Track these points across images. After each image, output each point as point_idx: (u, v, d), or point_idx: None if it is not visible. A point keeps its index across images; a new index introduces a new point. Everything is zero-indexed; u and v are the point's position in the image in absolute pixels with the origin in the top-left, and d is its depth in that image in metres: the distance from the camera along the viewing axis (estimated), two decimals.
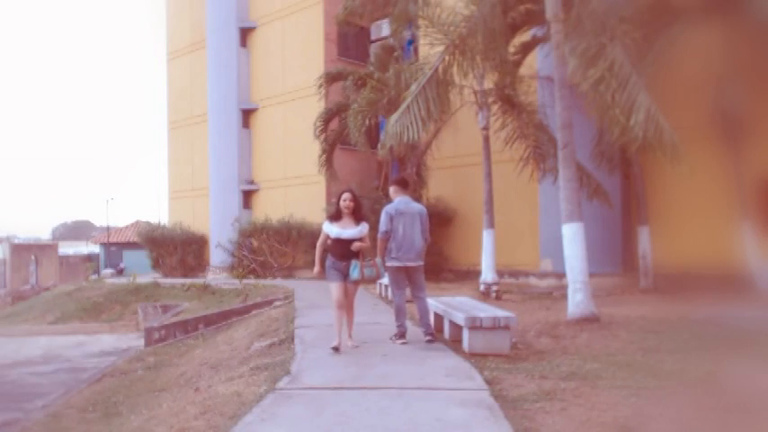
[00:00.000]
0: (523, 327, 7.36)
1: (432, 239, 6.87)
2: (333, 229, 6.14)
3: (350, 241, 6.08)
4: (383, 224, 6.42)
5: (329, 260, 6.19)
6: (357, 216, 6.18)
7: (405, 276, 6.44)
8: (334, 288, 6.14)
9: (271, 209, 20.19)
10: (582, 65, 7.95)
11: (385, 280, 11.12)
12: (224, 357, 7.55)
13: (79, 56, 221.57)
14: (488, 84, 11.78)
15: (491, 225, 11.70)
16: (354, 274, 6.06)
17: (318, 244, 6.33)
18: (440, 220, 16.05)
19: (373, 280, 6.31)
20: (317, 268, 6.34)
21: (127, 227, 38.68)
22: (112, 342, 13.69)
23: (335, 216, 6.19)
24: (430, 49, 10.64)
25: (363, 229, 6.15)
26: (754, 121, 10.49)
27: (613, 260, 12.79)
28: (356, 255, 6.09)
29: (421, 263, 6.41)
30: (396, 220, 6.33)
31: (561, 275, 10.28)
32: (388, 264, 6.50)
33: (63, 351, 12.84)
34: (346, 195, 6.19)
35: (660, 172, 9.50)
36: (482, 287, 11.51)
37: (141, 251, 24.67)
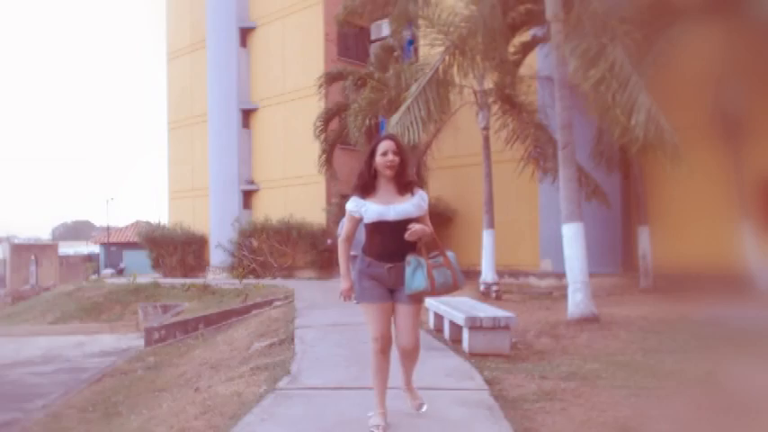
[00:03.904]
0: (523, 327, 7.36)
1: None
2: (370, 207, 3.48)
3: (401, 225, 3.43)
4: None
5: (362, 263, 3.59)
6: (403, 182, 3.53)
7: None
8: (372, 314, 3.51)
9: (271, 209, 20.19)
10: (582, 65, 7.94)
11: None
12: (224, 357, 7.55)
13: (79, 56, 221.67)
14: (488, 84, 11.78)
15: (491, 225, 11.70)
16: (417, 281, 3.39)
17: (341, 240, 3.65)
18: (440, 220, 16.04)
19: (449, 291, 3.54)
20: (344, 284, 3.62)
21: (127, 227, 38.64)
22: (112, 342, 13.68)
23: (368, 185, 3.55)
24: (430, 50, 10.64)
25: (422, 201, 3.52)
26: (754, 121, 10.49)
27: (613, 260, 12.78)
28: (412, 248, 3.48)
29: None
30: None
31: (561, 275, 10.28)
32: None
33: (63, 351, 12.83)
34: (387, 144, 3.50)
35: (660, 172, 9.51)
36: (482, 287, 11.51)
37: (141, 251, 24.65)
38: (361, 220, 3.57)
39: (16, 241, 39.38)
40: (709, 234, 10.95)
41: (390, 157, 3.48)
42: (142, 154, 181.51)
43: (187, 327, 11.42)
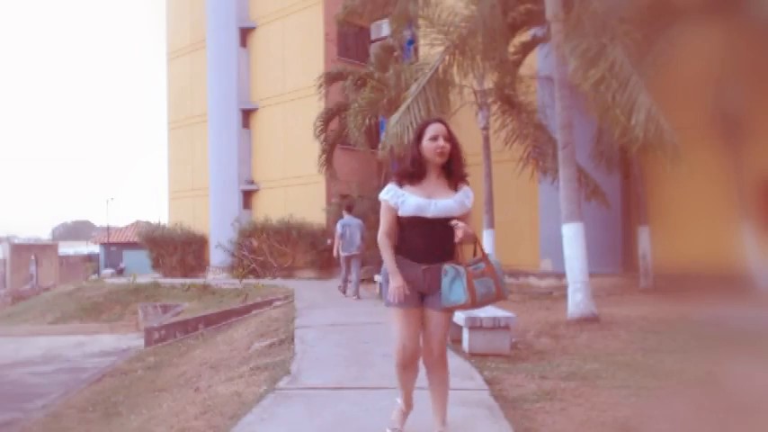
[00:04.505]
0: (523, 327, 7.36)
1: None
2: (408, 199, 3.09)
3: (440, 223, 3.06)
4: (339, 229, 11.00)
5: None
6: (456, 173, 3.18)
7: (349, 261, 11.07)
8: (401, 321, 3.16)
9: (271, 209, 20.19)
10: (582, 65, 7.94)
11: (380, 277, 11.23)
12: (224, 357, 7.55)
13: (79, 56, 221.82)
14: (488, 84, 11.78)
15: (491, 225, 11.71)
16: (456, 293, 3.00)
17: (382, 233, 3.18)
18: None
19: (491, 302, 3.12)
20: (397, 281, 3.11)
21: (127, 227, 38.65)
22: (112, 342, 13.68)
23: (413, 173, 3.15)
24: (430, 49, 10.64)
25: (467, 199, 3.16)
26: (754, 121, 10.48)
27: (613, 260, 12.78)
28: (452, 251, 3.10)
29: (357, 252, 10.96)
30: (345, 228, 10.95)
31: (561, 275, 10.28)
32: (341, 253, 10.98)
33: (63, 351, 12.83)
34: (438, 128, 3.13)
35: (660, 172, 9.51)
36: None
37: (141, 251, 24.65)
38: (396, 212, 3.13)
39: (16, 241, 39.38)
40: (709, 234, 10.95)
41: (441, 142, 3.10)
42: (142, 154, 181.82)
43: (187, 327, 11.41)
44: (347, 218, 11.18)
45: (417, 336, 3.19)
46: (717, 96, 10.74)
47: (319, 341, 6.67)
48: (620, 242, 13.01)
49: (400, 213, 3.10)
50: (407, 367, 3.23)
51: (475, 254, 3.14)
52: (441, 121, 3.21)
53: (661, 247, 11.84)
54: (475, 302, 2.99)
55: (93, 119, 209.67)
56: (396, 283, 3.10)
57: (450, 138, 3.14)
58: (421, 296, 3.16)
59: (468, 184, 3.22)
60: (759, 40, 9.46)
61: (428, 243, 3.09)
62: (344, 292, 11.47)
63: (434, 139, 3.10)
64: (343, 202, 16.01)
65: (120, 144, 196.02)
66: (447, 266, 3.03)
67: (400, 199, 3.11)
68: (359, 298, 10.97)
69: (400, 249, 3.16)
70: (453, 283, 3.00)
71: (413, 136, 3.22)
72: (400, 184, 3.15)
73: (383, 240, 3.19)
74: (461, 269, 3.01)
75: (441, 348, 3.20)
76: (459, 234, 2.99)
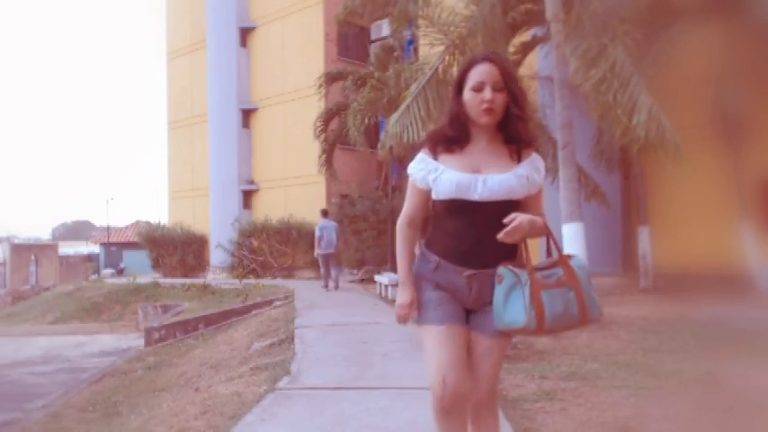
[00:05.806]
0: None
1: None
2: (444, 176, 2.11)
3: (495, 208, 2.07)
4: (317, 232, 12.47)
5: (423, 263, 2.22)
6: (515, 135, 2.13)
7: (326, 259, 12.64)
8: (437, 344, 2.13)
9: (271, 209, 20.20)
10: (583, 65, 7.94)
11: (385, 279, 11.26)
12: (224, 357, 7.55)
13: (79, 56, 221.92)
14: None
15: None
16: (513, 311, 2.04)
17: (401, 224, 2.24)
18: None
19: (570, 327, 2.13)
20: (403, 295, 2.19)
21: (127, 227, 38.65)
22: (112, 342, 13.69)
23: (454, 135, 2.15)
24: (430, 49, 10.64)
25: (536, 172, 2.16)
26: (754, 121, 10.48)
27: (613, 260, 12.78)
28: (513, 251, 2.13)
29: (333, 251, 12.67)
30: (322, 230, 12.43)
31: None
32: (320, 252, 12.44)
33: (63, 351, 12.83)
34: (485, 71, 2.07)
35: (660, 172, 9.52)
36: None
37: (141, 251, 24.67)
38: (428, 195, 2.17)
39: (16, 241, 39.38)
40: (709, 234, 10.95)
41: (488, 94, 2.06)
42: (142, 154, 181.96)
43: (187, 327, 11.41)
44: (323, 221, 12.72)
45: (464, 364, 2.15)
46: (717, 96, 10.74)
47: (319, 341, 6.67)
48: (620, 242, 13.01)
49: (435, 196, 2.14)
50: (451, 412, 2.13)
51: (549, 254, 2.19)
52: (491, 59, 2.12)
53: (661, 247, 11.83)
54: (542, 326, 2.01)
55: (93, 119, 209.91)
56: (401, 299, 2.18)
57: (505, 85, 2.08)
58: (463, 310, 2.18)
59: (537, 150, 2.21)
60: (759, 40, 9.47)
61: (476, 239, 2.11)
62: (326, 287, 12.84)
63: (479, 89, 2.07)
64: (343, 202, 16.23)
65: (120, 144, 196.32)
66: (503, 269, 2.07)
67: (432, 175, 2.13)
68: (337, 288, 12.86)
69: (434, 246, 2.19)
70: (510, 294, 2.05)
71: (453, 83, 2.18)
72: (435, 154, 2.16)
73: (401, 231, 2.24)
74: (523, 274, 2.04)
75: (490, 386, 2.22)
76: (501, 235, 2.02)
